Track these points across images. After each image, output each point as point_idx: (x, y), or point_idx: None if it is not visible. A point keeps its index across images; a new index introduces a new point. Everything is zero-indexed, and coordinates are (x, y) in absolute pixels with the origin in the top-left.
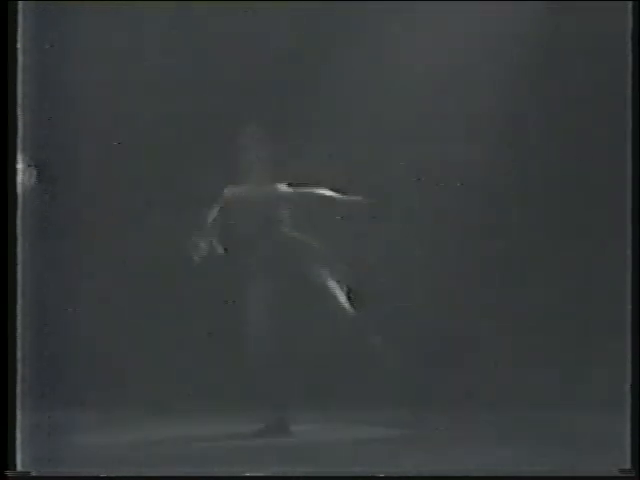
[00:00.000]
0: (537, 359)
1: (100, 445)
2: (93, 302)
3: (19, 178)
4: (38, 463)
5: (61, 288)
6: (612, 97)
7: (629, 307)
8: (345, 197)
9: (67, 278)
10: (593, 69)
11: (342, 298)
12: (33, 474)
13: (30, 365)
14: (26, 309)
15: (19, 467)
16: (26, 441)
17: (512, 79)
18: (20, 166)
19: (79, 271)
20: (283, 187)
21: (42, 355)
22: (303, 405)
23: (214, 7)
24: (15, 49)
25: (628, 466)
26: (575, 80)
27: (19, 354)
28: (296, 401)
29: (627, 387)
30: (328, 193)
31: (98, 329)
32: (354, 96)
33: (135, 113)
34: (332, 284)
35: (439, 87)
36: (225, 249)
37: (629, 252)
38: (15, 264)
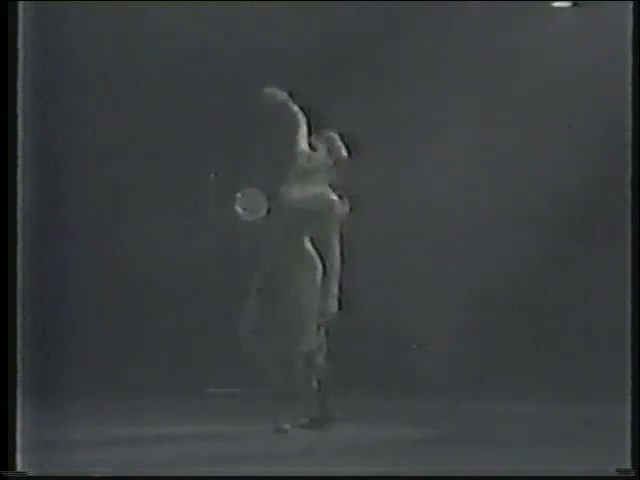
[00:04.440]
0: None
1: None
2: None
3: None
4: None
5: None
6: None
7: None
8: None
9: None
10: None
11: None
12: (30, 474)
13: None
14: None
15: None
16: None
17: None
18: None
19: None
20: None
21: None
22: None
23: None
24: (15, 49)
25: (628, 466)
26: None
27: (19, 355)
28: None
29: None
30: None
31: None
32: None
33: None
34: None
35: None
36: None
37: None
38: (15, 264)
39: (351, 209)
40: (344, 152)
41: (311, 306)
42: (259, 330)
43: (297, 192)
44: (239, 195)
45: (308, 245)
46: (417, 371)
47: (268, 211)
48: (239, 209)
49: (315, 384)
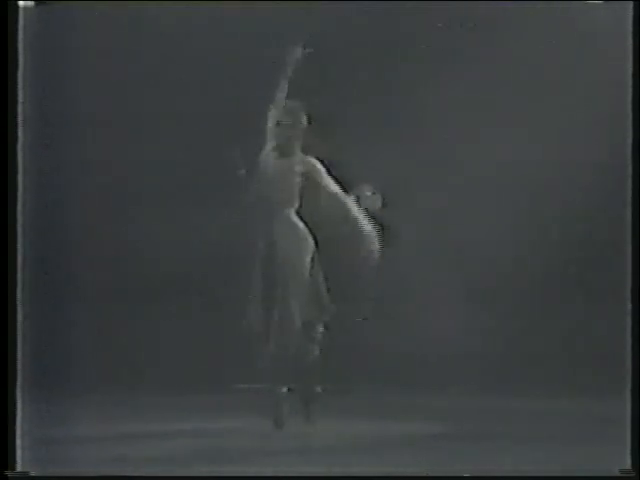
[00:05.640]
0: None
1: None
2: None
3: None
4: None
5: None
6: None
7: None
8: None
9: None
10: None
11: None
12: (32, 474)
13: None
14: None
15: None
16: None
17: None
18: None
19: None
20: None
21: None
22: None
23: None
24: (15, 49)
25: (628, 466)
26: None
27: (19, 355)
28: None
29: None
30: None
31: None
32: None
33: None
34: None
35: None
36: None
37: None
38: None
39: (384, 205)
40: (304, 120)
41: (308, 279)
42: (266, 316)
43: (274, 164)
44: None
45: (294, 217)
46: (416, 364)
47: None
48: None
49: (316, 353)
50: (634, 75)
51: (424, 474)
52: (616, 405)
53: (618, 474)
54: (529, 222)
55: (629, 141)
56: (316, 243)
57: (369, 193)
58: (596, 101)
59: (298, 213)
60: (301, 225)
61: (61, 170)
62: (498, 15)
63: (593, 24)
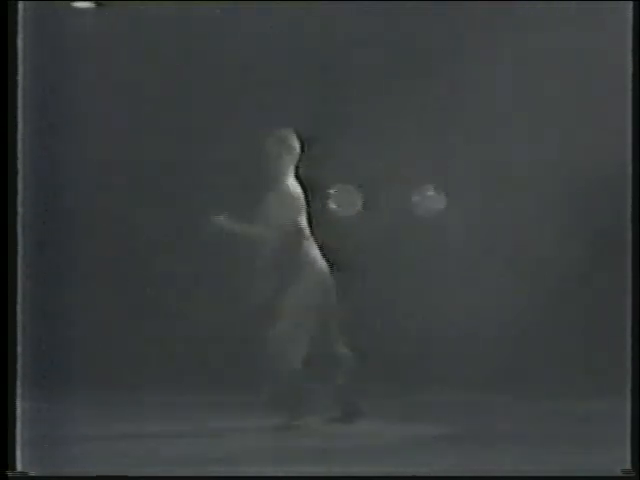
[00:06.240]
0: None
1: None
2: None
3: None
4: None
5: None
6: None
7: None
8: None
9: None
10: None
11: None
12: (32, 474)
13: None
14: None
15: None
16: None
17: None
18: None
19: None
20: None
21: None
22: None
23: None
24: (15, 49)
25: (628, 466)
26: None
27: (19, 354)
28: None
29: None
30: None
31: None
32: None
33: None
34: None
35: None
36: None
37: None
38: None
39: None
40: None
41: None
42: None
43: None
44: (332, 191)
45: (309, 246)
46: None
47: (362, 206)
48: (333, 205)
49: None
50: (634, 75)
51: (424, 474)
52: (616, 405)
53: (620, 474)
54: (526, 223)
55: (629, 142)
56: (331, 268)
57: (431, 193)
58: (596, 101)
59: (316, 240)
60: (316, 253)
61: (61, 170)
62: (498, 15)
63: (593, 24)
